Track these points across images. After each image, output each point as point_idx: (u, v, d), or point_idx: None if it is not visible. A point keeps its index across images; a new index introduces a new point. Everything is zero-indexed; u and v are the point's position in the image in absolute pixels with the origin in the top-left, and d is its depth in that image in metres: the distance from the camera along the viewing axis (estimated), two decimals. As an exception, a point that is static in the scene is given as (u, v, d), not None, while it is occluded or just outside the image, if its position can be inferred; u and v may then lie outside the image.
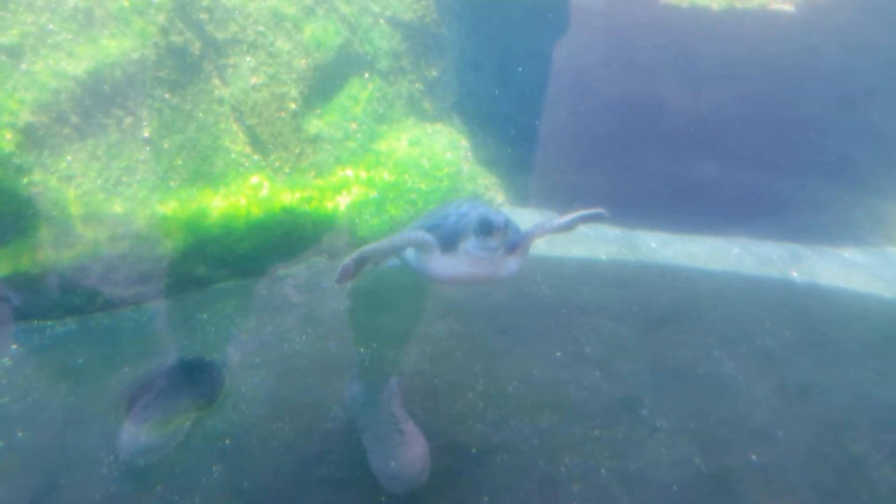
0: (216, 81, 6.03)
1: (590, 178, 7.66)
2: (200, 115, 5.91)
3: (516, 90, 7.78)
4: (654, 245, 6.74)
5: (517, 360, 4.61)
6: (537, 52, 7.60)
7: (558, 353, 4.69)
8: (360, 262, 4.02)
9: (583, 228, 7.17)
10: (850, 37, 6.70)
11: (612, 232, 7.00)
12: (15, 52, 5.08)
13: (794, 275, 6.23)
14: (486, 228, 3.67)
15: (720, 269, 6.26)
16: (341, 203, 6.39)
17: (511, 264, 3.92)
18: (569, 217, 4.11)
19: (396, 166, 6.94)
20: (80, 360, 4.41)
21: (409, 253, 4.18)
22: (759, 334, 4.97)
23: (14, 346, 4.50)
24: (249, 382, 4.28)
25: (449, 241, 3.84)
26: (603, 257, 6.40)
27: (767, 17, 6.61)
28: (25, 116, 4.98)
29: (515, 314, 5.25)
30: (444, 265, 3.91)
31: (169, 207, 5.53)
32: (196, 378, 4.29)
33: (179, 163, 5.77)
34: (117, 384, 4.20)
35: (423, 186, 6.95)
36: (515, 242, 3.88)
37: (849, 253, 6.85)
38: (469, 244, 3.72)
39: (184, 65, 5.79)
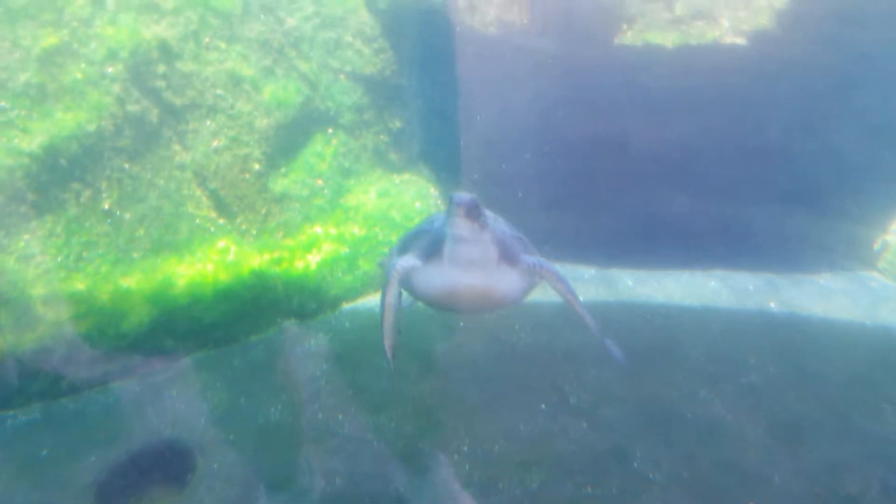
0: (177, 147, 5.93)
1: (560, 218, 7.64)
2: (162, 182, 5.79)
3: (481, 136, 7.80)
4: (630, 283, 6.70)
5: (501, 414, 4.48)
6: (499, 97, 7.64)
7: (543, 405, 4.57)
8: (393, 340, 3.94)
9: (559, 269, 7.13)
10: (806, 65, 6.84)
11: (588, 272, 6.95)
12: (-35, 133, 4.95)
13: (773, 306, 6.21)
14: (453, 207, 3.31)
15: (699, 304, 6.22)
16: (312, 262, 6.28)
17: (511, 276, 3.62)
18: (581, 309, 4.00)
19: (366, 220, 6.86)
20: (44, 452, 4.18)
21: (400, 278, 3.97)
22: (744, 371, 4.91)
23: (-29, 443, 4.26)
24: (223, 460, 4.08)
25: (433, 245, 3.61)
26: (580, 299, 6.32)
27: (722, 51, 6.73)
28: (-22, 198, 4.83)
29: (496, 365, 5.13)
30: (429, 277, 3.66)
31: (133, 280, 5.37)
32: (166, 462, 4.09)
33: (142, 233, 5.62)
34: (84, 475, 3.97)
35: (394, 239, 6.85)
36: (511, 249, 3.57)
37: (825, 279, 6.87)
38: (449, 243, 3.44)
39: (142, 133, 5.69)
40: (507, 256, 3.58)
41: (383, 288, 3.95)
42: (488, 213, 3.86)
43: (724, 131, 7.26)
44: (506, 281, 3.64)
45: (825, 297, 6.43)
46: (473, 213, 3.32)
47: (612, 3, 6.36)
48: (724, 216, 7.18)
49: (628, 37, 6.53)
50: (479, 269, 3.51)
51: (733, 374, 4.87)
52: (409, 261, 3.77)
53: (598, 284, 6.66)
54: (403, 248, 4.08)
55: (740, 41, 6.49)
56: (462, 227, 3.34)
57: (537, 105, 7.78)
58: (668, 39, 6.52)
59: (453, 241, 3.42)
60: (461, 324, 5.86)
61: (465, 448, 4.15)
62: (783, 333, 5.61)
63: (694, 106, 7.25)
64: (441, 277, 3.62)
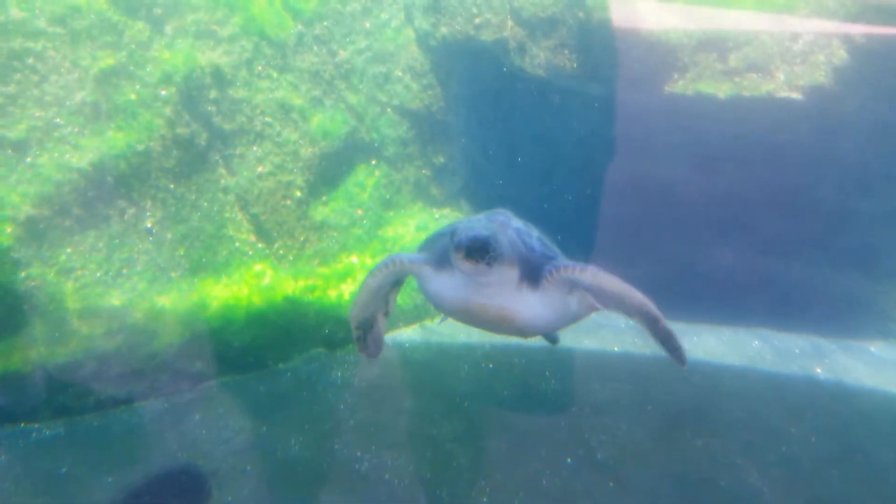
0: (222, 171, 6.02)
1: (600, 263, 7.48)
2: (205, 204, 5.87)
3: (524, 175, 7.74)
4: (668, 336, 6.48)
5: (524, 466, 4.33)
6: (545, 138, 7.58)
7: (568, 460, 4.40)
8: (362, 326, 3.69)
9: (594, 316, 6.97)
10: (864, 123, 6.61)
11: (625, 321, 6.75)
12: (21, 146, 5.09)
13: (819, 372, 5.92)
14: (452, 251, 2.95)
15: (739, 363, 5.98)
16: (345, 291, 6.25)
17: (532, 299, 3.18)
18: (644, 303, 3.22)
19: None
20: (63, 469, 4.18)
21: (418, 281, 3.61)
22: (785, 440, 4.66)
23: (-5, 453, 4.30)
24: (239, 494, 4.02)
25: (446, 253, 3.24)
26: (615, 349, 6.16)
27: (776, 104, 6.55)
28: (27, 209, 4.94)
29: (523, 413, 4.99)
30: (442, 286, 3.30)
31: (168, 299, 5.41)
32: (182, 489, 4.05)
33: (182, 253, 5.68)
34: (100, 496, 3.96)
35: (429, 273, 6.79)
36: (538, 269, 3.15)
37: (876, 347, 6.54)
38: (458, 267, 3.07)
39: (190, 155, 5.78)
40: (532, 277, 3.15)
41: (372, 277, 3.57)
42: (516, 226, 3.49)
43: (775, 185, 7.04)
44: (527, 305, 3.19)
45: (876, 366, 6.10)
46: (476, 255, 2.94)
47: (664, 52, 6.27)
48: (771, 273, 6.92)
49: (679, 85, 6.42)
50: (494, 289, 3.15)
51: (773, 443, 4.62)
52: (411, 257, 3.43)
53: (634, 335, 6.46)
54: (423, 248, 3.79)
55: (796, 95, 6.31)
56: (465, 268, 3.01)
57: (582, 148, 7.70)
58: (720, 90, 6.38)
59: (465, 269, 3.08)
60: (490, 366, 5.75)
61: (485, 499, 4.01)
62: (829, 403, 5.33)
63: (744, 157, 7.06)
64: (453, 291, 3.27)
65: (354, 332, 3.83)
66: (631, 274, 7.41)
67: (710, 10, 6.77)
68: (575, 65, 6.50)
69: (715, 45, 6.31)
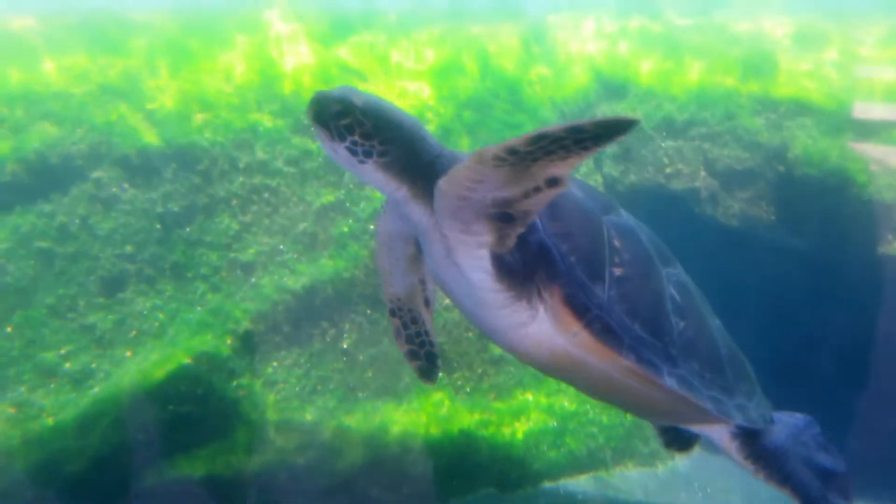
0: (413, 300, 6.36)
1: (796, 428, 6.82)
2: (395, 330, 6.19)
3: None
4: (883, 525, 5.68)
5: None
6: (732, 285, 7.28)
7: None
8: (397, 312, 2.97)
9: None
10: None
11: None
12: (248, 268, 5.78)
13: None
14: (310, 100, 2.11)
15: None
16: (519, 430, 6.19)
17: (463, 282, 2.15)
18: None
19: (579, 394, 6.69)
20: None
21: None
22: None
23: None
24: None
25: None
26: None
27: None
28: (246, 324, 5.52)
29: None
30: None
31: (354, 419, 5.67)
32: None
33: (370, 374, 5.99)
34: None
35: (604, 419, 6.59)
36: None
37: None
38: None
39: (387, 284, 6.20)
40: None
41: None
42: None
43: None
44: (456, 280, 2.18)
45: None
46: (328, 120, 1.94)
47: (878, 210, 5.93)
48: None
49: (894, 247, 5.99)
50: (428, 237, 2.26)
51: None
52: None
53: (840, 517, 5.72)
54: None
55: None
56: (323, 145, 2.14)
57: (773, 299, 7.29)
58: (944, 252, 5.86)
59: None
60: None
61: None
62: None
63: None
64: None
65: (392, 322, 3.04)
66: (837, 445, 6.68)
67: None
68: (773, 217, 6.31)
69: (937, 205, 5.88)
